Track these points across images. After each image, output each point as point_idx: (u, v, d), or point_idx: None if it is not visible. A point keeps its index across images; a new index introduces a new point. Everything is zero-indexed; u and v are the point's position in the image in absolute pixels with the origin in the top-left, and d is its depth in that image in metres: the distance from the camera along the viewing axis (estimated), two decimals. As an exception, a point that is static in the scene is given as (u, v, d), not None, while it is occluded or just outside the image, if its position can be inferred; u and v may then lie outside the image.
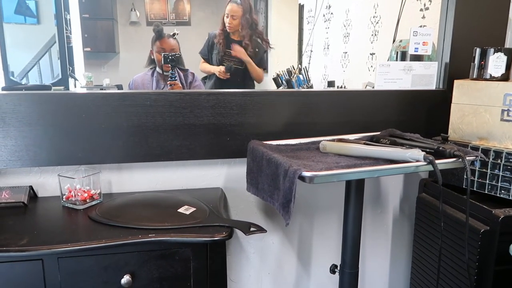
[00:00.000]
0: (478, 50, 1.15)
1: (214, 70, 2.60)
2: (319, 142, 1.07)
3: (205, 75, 2.72)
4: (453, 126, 1.18)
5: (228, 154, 1.23)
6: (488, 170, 1.08)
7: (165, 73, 2.23)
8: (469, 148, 1.10)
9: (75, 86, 3.15)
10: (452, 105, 1.18)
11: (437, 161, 0.88)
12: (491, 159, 1.07)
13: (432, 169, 0.88)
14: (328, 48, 3.14)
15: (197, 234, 0.92)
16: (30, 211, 1.08)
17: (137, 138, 1.17)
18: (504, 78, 1.11)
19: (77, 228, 0.98)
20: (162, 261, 0.95)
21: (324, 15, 3.19)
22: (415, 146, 0.95)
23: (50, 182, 1.20)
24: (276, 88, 2.56)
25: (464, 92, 1.14)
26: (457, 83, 1.16)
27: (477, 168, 1.10)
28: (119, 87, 3.63)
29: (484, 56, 1.13)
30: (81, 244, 0.88)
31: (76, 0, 3.66)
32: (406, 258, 1.48)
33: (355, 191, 1.02)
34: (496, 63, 1.11)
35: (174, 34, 2.37)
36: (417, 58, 1.34)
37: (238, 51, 2.53)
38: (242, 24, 2.54)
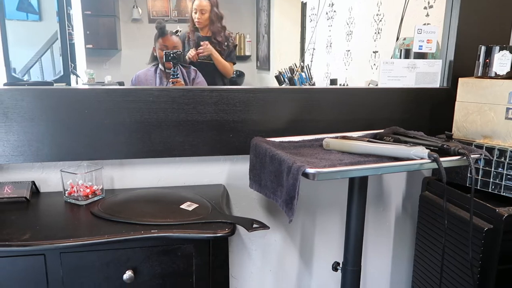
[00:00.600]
0: (483, 48, 1.14)
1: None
2: (322, 139, 1.07)
3: None
4: (457, 124, 1.17)
5: (231, 150, 1.23)
6: (492, 169, 1.07)
7: (167, 71, 2.23)
8: (473, 146, 1.09)
9: (77, 83, 3.15)
10: (457, 103, 1.17)
11: (441, 159, 0.87)
12: (495, 157, 1.06)
13: (436, 167, 0.88)
14: (330, 46, 3.13)
15: (199, 230, 0.92)
16: (32, 206, 1.08)
17: (140, 134, 1.16)
18: (509, 76, 1.10)
19: (79, 223, 0.98)
20: (165, 257, 0.95)
21: (327, 13, 3.18)
22: (419, 144, 0.95)
23: (52, 178, 1.20)
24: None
25: (468, 90, 1.14)
26: (461, 81, 1.16)
27: (481, 167, 1.09)
28: (121, 84, 3.63)
29: (489, 54, 1.12)
30: (83, 240, 0.88)
31: (78, -4, 3.65)
32: (408, 256, 1.48)
33: (358, 189, 1.02)
34: (501, 61, 1.10)
35: (177, 32, 2.37)
36: (420, 56, 1.34)
37: (205, 48, 2.47)
38: (211, 19, 2.50)
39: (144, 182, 1.25)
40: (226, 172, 1.29)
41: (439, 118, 1.31)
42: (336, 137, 1.06)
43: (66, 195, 1.11)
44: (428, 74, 1.32)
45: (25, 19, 2.87)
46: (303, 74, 2.53)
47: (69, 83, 2.89)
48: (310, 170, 0.82)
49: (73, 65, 3.00)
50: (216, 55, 2.50)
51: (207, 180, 1.28)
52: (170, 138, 1.18)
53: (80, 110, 1.12)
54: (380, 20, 2.37)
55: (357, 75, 2.70)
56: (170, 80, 2.19)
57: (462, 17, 1.27)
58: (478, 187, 1.10)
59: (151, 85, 2.24)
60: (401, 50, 1.47)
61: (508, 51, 1.10)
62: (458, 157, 0.91)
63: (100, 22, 4.45)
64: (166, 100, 1.16)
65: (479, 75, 1.15)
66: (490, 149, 1.07)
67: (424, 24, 1.74)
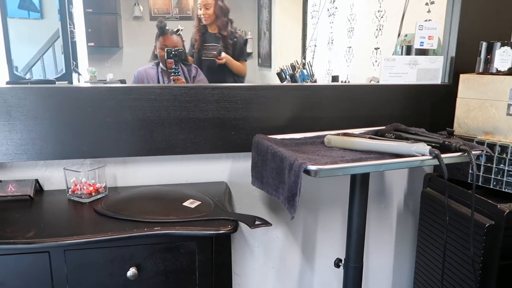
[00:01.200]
0: (484, 44, 1.14)
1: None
2: (323, 136, 1.07)
3: None
4: (459, 120, 1.17)
5: (232, 148, 1.23)
6: (494, 165, 1.07)
7: (168, 69, 2.23)
8: (474, 142, 1.09)
9: (78, 81, 3.15)
10: (458, 100, 1.17)
11: (442, 155, 0.87)
12: (496, 153, 1.06)
13: (437, 163, 0.88)
14: (332, 42, 3.13)
15: (202, 227, 0.93)
16: (36, 204, 1.09)
17: (142, 132, 1.17)
18: (511, 72, 1.10)
19: (83, 221, 0.99)
20: (168, 254, 0.96)
21: (328, 10, 3.17)
22: (421, 140, 0.95)
23: (55, 176, 1.21)
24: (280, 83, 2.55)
25: (470, 87, 1.14)
26: (462, 77, 1.16)
27: (482, 163, 1.09)
28: (123, 82, 3.63)
29: (490, 50, 1.12)
30: (87, 237, 0.89)
31: (79, -6, 3.66)
32: (410, 252, 1.48)
33: (360, 185, 1.02)
34: (502, 57, 1.10)
35: (178, 31, 2.36)
36: (422, 52, 1.34)
37: (222, 57, 2.45)
38: (216, 14, 2.47)
39: (146, 179, 1.25)
40: (228, 170, 1.30)
41: (440, 115, 1.31)
42: (338, 134, 1.06)
43: (70, 193, 1.11)
44: (430, 71, 1.32)
45: (27, 17, 2.88)
46: (304, 71, 2.53)
47: (71, 81, 2.89)
48: (312, 167, 0.82)
49: (74, 63, 3.00)
50: (230, 62, 2.48)
51: (209, 178, 1.29)
52: (172, 136, 1.19)
53: (83, 108, 1.13)
54: (382, 17, 2.36)
55: (358, 72, 2.70)
56: (171, 77, 2.19)
57: (463, 13, 1.27)
58: (480, 184, 1.11)
59: (152, 83, 2.24)
60: (402, 46, 1.47)
61: (509, 47, 1.10)
62: (460, 153, 0.91)
63: (101, 20, 4.44)
64: (168, 98, 1.16)
65: (480, 71, 1.15)
66: (491, 146, 1.07)
67: (426, 20, 1.74)
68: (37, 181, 1.16)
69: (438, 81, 1.33)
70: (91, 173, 1.12)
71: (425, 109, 1.32)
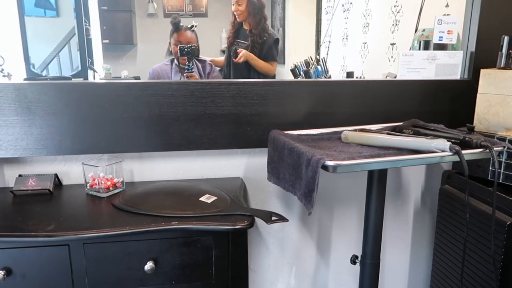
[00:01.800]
0: (506, 38, 1.11)
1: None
2: (340, 132, 1.06)
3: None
4: (479, 116, 1.15)
5: (248, 144, 1.23)
6: (515, 162, 1.05)
7: (181, 66, 2.23)
8: (495, 139, 1.07)
9: (94, 78, 3.18)
10: (478, 95, 1.15)
11: (463, 152, 0.86)
12: (518, 150, 1.04)
13: (457, 159, 0.86)
14: (347, 38, 3.10)
15: (219, 222, 0.93)
16: (55, 198, 1.11)
17: (158, 128, 1.18)
18: (534, 67, 1.08)
19: (101, 215, 1.00)
20: (184, 248, 0.96)
21: (343, 5, 3.14)
22: (440, 137, 0.93)
23: (74, 171, 1.23)
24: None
25: (491, 82, 1.11)
26: (483, 72, 1.13)
27: (503, 160, 1.07)
28: (137, 78, 3.66)
29: (512, 44, 1.10)
30: (105, 231, 0.90)
31: (94, -8, 3.69)
32: (427, 250, 1.47)
33: (377, 182, 1.01)
34: (525, 51, 1.08)
35: (192, 27, 2.36)
36: (440, 47, 1.31)
37: (241, 56, 2.38)
38: (248, 10, 2.39)
39: (163, 175, 1.26)
40: (243, 165, 1.30)
41: (459, 111, 1.29)
42: (355, 130, 1.05)
43: (88, 187, 1.13)
44: (448, 66, 1.30)
45: (43, 15, 2.92)
46: (318, 67, 2.51)
47: (86, 78, 2.92)
48: (330, 163, 0.81)
49: (90, 60, 3.03)
50: (252, 60, 2.38)
51: (224, 173, 1.29)
52: (188, 132, 1.19)
53: (101, 104, 1.14)
54: (398, 12, 2.33)
55: (374, 67, 2.66)
56: (184, 74, 2.20)
57: (484, 7, 1.25)
58: (501, 181, 1.08)
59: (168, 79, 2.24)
60: (420, 41, 1.44)
61: (532, 41, 1.07)
62: (481, 149, 0.90)
63: (116, 18, 4.48)
64: (184, 94, 1.16)
65: (501, 66, 1.13)
66: (513, 142, 1.05)
67: (444, 15, 1.70)
68: (56, 175, 1.18)
69: (457, 76, 1.31)
70: (109, 168, 1.13)
71: (443, 105, 1.29)
